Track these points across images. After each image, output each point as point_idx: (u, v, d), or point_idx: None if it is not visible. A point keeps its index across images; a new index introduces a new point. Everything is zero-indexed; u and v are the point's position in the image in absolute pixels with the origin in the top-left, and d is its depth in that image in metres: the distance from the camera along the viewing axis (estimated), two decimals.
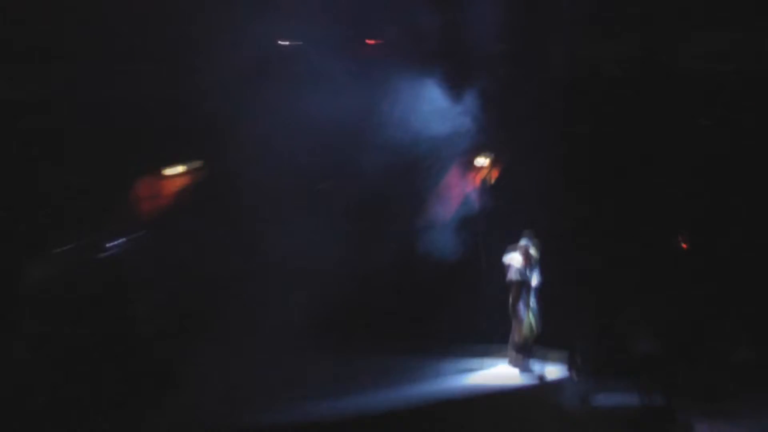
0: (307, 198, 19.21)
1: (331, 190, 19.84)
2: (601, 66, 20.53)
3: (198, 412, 16.20)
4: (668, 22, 20.32)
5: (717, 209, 19.66)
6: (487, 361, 18.07)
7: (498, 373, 17.37)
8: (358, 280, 18.75)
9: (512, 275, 17.62)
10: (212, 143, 19.19)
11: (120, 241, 19.22)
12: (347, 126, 18.73)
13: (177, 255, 18.67)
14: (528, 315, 17.32)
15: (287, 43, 19.69)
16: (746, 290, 18.81)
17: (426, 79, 19.37)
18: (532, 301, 17.44)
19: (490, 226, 19.82)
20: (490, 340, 18.60)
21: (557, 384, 17.04)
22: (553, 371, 17.29)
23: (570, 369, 17.48)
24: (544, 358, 17.88)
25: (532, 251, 17.64)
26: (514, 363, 17.57)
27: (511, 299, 17.60)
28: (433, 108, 19.49)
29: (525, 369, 17.36)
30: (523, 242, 17.76)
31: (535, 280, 17.37)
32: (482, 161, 20.59)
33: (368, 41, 20.17)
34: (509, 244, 17.93)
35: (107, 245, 19.20)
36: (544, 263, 17.70)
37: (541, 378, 17.13)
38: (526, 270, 17.57)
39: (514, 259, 17.68)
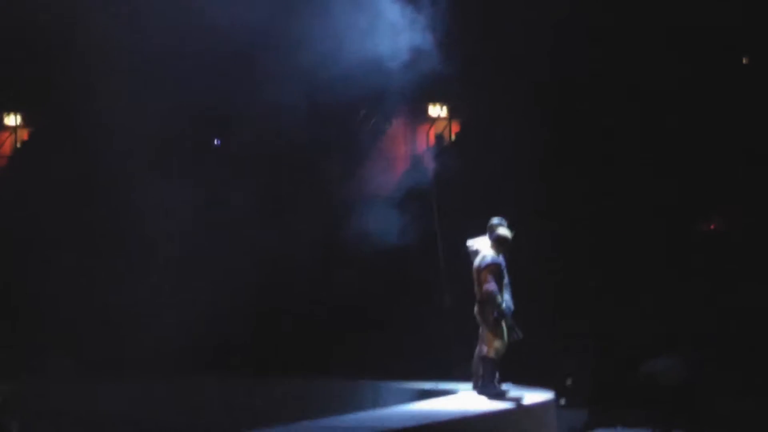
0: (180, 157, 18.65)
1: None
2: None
3: None
4: None
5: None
6: (443, 383, 17.57)
7: (460, 397, 16.11)
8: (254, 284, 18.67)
9: (480, 261, 15.74)
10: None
11: None
12: (241, 47, 17.05)
13: None
14: (502, 321, 15.47)
15: None
16: None
17: None
18: (507, 298, 15.58)
19: (448, 202, 19.46)
20: (448, 356, 18.22)
21: (539, 410, 15.72)
22: (533, 395, 16.01)
23: (558, 393, 16.86)
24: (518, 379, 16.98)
25: (504, 231, 15.70)
26: (481, 385, 15.95)
27: (478, 295, 15.71)
28: (374, 23, 17.35)
29: (495, 392, 15.79)
30: (494, 221, 15.78)
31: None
32: (438, 111, 19.58)
33: None
34: (475, 228, 16.36)
35: None
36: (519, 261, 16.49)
37: (518, 402, 15.57)
38: (498, 256, 15.81)
39: (481, 243, 15.86)
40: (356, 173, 20.13)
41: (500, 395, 15.88)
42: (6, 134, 23.57)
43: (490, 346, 15.83)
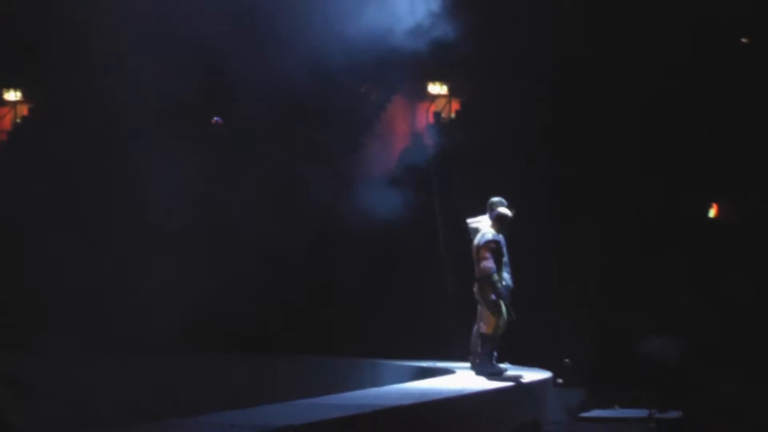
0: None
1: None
2: None
3: None
4: None
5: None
6: (442, 362, 17.72)
7: (457, 376, 16.22)
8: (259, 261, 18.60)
9: (479, 239, 15.80)
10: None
11: None
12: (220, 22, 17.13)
13: None
14: (501, 299, 15.58)
15: None
16: None
17: None
18: (507, 277, 15.62)
19: (450, 181, 19.39)
20: (447, 334, 18.38)
21: (536, 390, 15.85)
22: (530, 374, 16.13)
23: (556, 372, 17.01)
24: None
25: (505, 210, 15.75)
26: (479, 363, 15.96)
27: (477, 272, 15.70)
28: None
29: (492, 371, 15.80)
30: (494, 199, 15.86)
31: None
32: (438, 89, 19.53)
33: None
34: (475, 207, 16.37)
35: None
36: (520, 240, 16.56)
37: (515, 381, 15.63)
38: (498, 234, 15.89)
39: (481, 223, 15.90)
40: (357, 149, 20.06)
41: (498, 374, 15.91)
42: (6, 109, 23.61)
43: (488, 324, 15.88)
